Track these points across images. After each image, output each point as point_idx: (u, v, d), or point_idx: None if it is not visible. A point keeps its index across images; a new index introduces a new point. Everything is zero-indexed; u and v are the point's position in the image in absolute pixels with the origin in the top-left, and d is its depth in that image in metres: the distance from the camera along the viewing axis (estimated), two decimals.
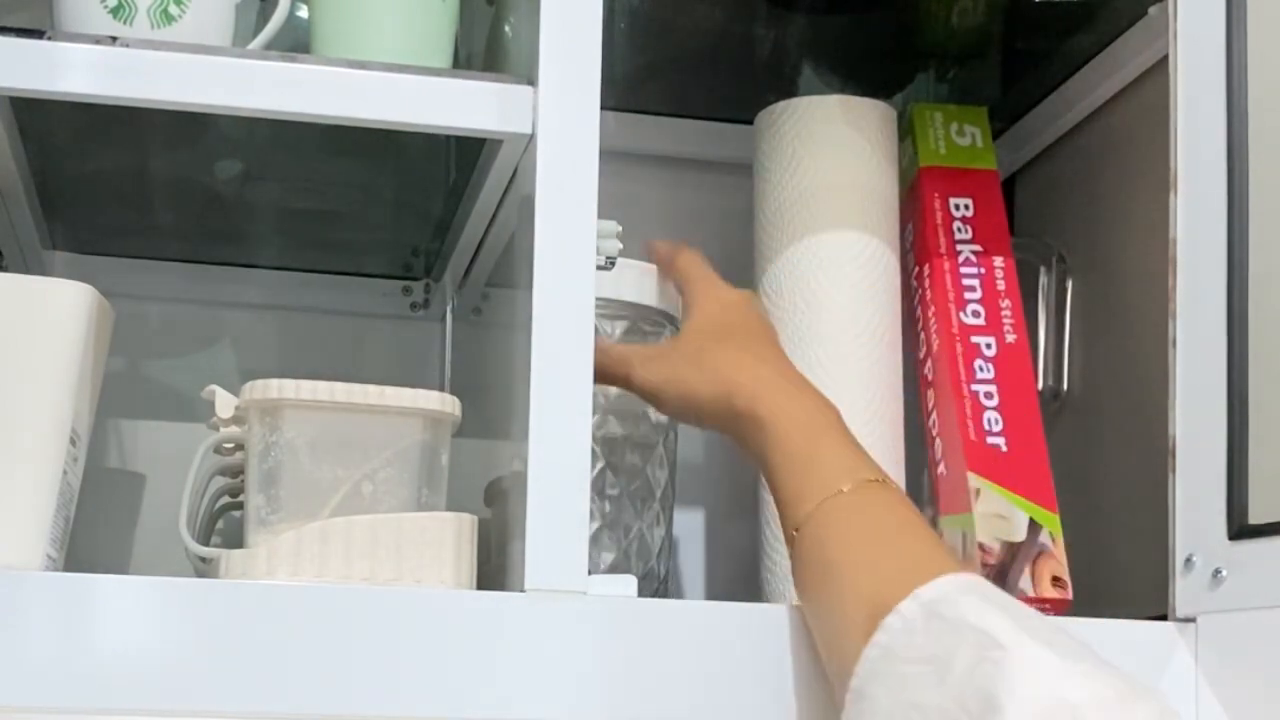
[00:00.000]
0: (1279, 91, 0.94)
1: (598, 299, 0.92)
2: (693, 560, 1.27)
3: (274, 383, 0.91)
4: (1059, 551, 1.06)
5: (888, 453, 1.08)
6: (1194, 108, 0.98)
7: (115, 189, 1.16)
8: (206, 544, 1.03)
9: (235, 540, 0.99)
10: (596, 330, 0.95)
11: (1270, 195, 0.94)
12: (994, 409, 1.09)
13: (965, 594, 0.82)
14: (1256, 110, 0.95)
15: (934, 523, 1.12)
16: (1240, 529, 0.92)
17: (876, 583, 0.84)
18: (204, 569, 0.98)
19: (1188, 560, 0.95)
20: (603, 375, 0.96)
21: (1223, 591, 0.93)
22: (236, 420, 0.94)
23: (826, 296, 1.09)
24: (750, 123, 1.15)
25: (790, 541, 0.91)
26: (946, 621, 0.80)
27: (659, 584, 1.09)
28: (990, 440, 1.08)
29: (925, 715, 0.78)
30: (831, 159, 1.11)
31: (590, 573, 0.88)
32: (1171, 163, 0.99)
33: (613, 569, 1.04)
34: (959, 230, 1.15)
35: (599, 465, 1.05)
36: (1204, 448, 0.94)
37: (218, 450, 0.98)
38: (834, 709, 0.89)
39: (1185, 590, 0.95)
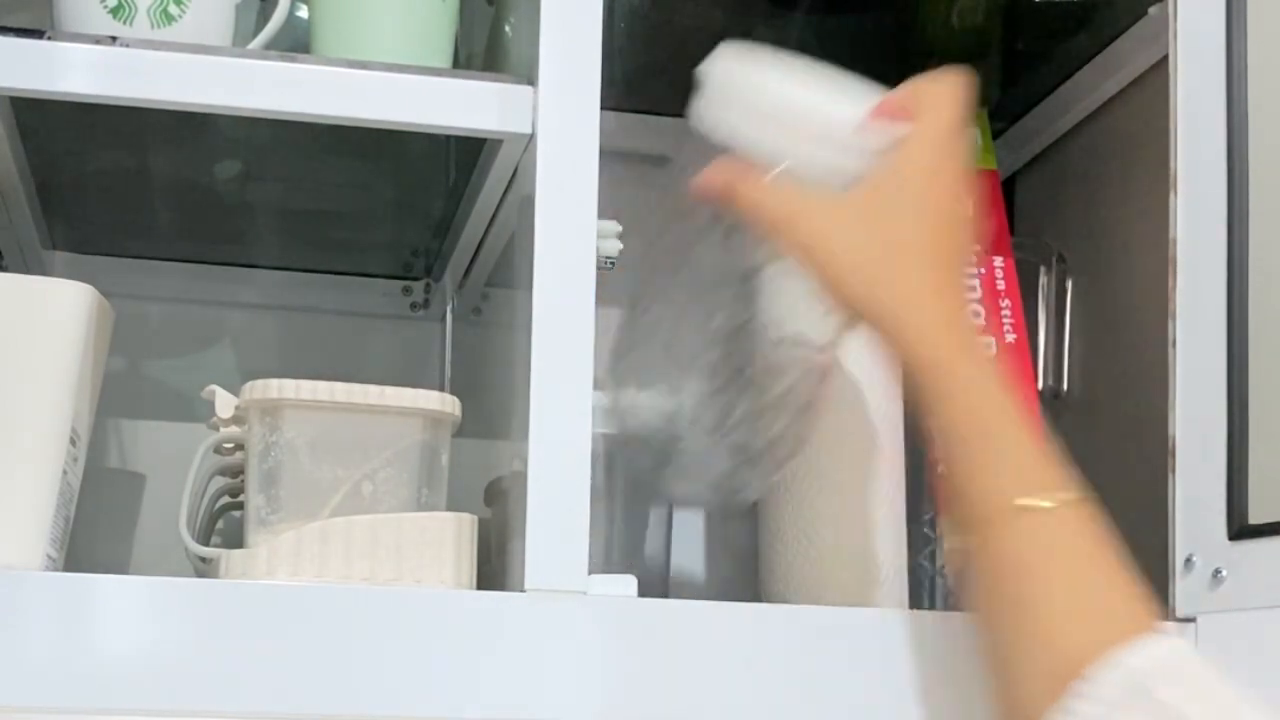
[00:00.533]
0: (1279, 91, 0.94)
1: None
2: (693, 560, 1.27)
3: (274, 383, 0.91)
4: None
5: (888, 453, 1.08)
6: (1194, 108, 0.98)
7: (115, 189, 1.16)
8: (206, 544, 1.03)
9: (235, 540, 0.99)
10: None
11: (1270, 195, 0.94)
12: None
13: (1167, 673, 0.75)
14: (1256, 110, 0.95)
15: (933, 523, 1.12)
16: (1240, 529, 0.92)
17: (1070, 634, 0.78)
18: (204, 569, 0.98)
19: (1188, 560, 0.95)
20: (756, 210, 0.84)
21: (1223, 591, 0.93)
22: (236, 420, 0.94)
23: None
24: None
25: (963, 529, 0.83)
26: (1147, 696, 0.74)
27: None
28: None
29: None
30: None
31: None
32: (1171, 163, 0.99)
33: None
34: None
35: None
36: (1204, 448, 0.94)
37: (218, 450, 0.98)
38: (831, 708, 0.89)
39: (1185, 590, 0.95)
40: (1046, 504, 0.80)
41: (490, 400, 1.01)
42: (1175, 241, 0.98)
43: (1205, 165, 0.96)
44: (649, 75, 1.28)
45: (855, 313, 0.85)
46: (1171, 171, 0.99)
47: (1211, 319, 0.94)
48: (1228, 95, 0.95)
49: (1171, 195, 0.98)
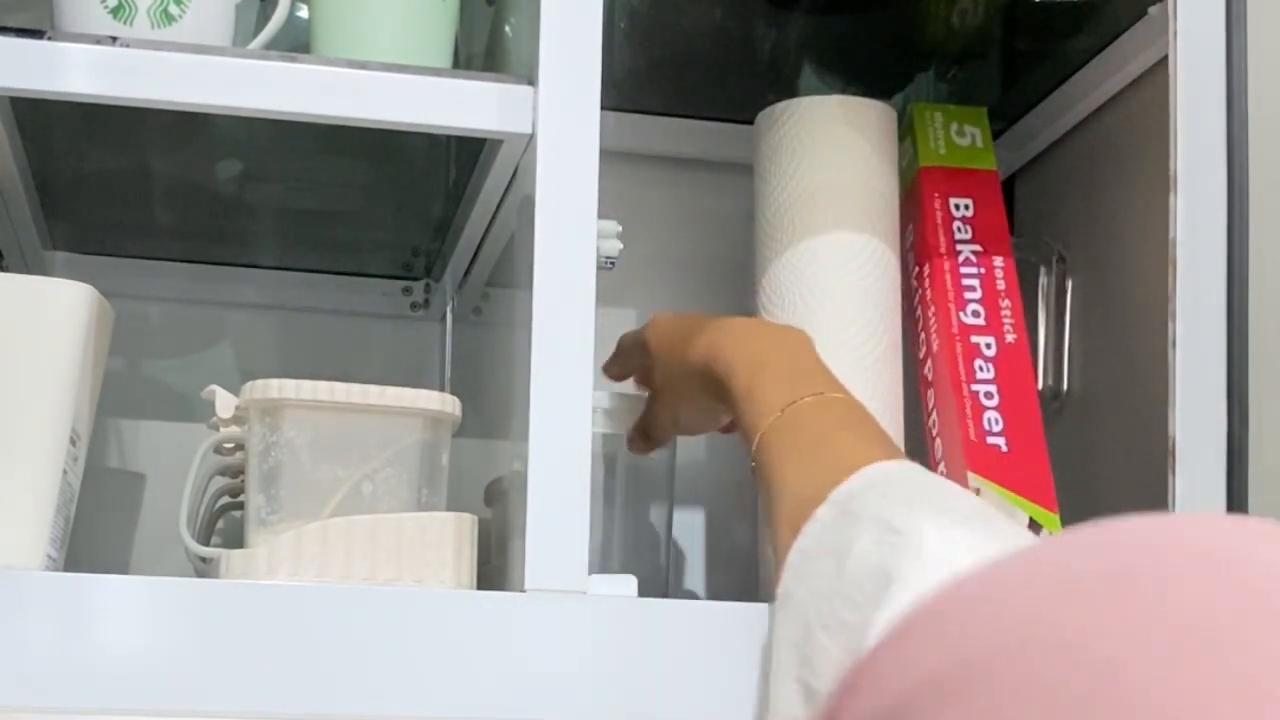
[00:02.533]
0: (1279, 91, 0.94)
1: None
2: (693, 560, 1.27)
3: (274, 383, 0.91)
4: None
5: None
6: (1194, 108, 0.98)
7: (115, 189, 1.16)
8: (206, 544, 1.03)
9: (235, 540, 0.99)
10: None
11: (1270, 195, 0.94)
12: (994, 409, 1.09)
13: (872, 487, 0.83)
14: (1256, 110, 0.95)
15: None
16: None
17: (800, 493, 0.86)
18: (204, 569, 0.98)
19: None
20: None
21: None
22: (236, 420, 0.94)
23: (827, 296, 1.09)
24: (750, 123, 1.15)
25: (746, 442, 0.92)
26: (851, 515, 0.82)
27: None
28: (990, 440, 1.08)
29: (830, 604, 0.80)
30: (832, 159, 1.11)
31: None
32: (1171, 163, 0.99)
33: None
34: (959, 230, 1.15)
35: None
36: (1204, 448, 0.94)
37: (218, 450, 0.98)
38: None
39: None
40: (781, 409, 0.90)
41: (490, 400, 1.01)
42: (1175, 242, 0.98)
43: (1205, 165, 0.96)
44: (649, 75, 1.28)
45: (690, 397, 0.99)
46: (1171, 171, 0.99)
47: (1211, 319, 0.95)
48: (1228, 95, 0.95)
49: (1171, 195, 0.98)
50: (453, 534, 0.91)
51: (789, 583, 0.84)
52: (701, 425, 1.04)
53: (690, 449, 1.23)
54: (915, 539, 0.77)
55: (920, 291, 1.14)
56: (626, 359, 1.06)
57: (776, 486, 0.88)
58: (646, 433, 1.05)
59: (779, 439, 0.90)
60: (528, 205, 0.92)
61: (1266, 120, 0.94)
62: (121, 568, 1.15)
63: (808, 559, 0.83)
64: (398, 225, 1.23)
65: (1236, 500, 0.92)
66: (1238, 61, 0.96)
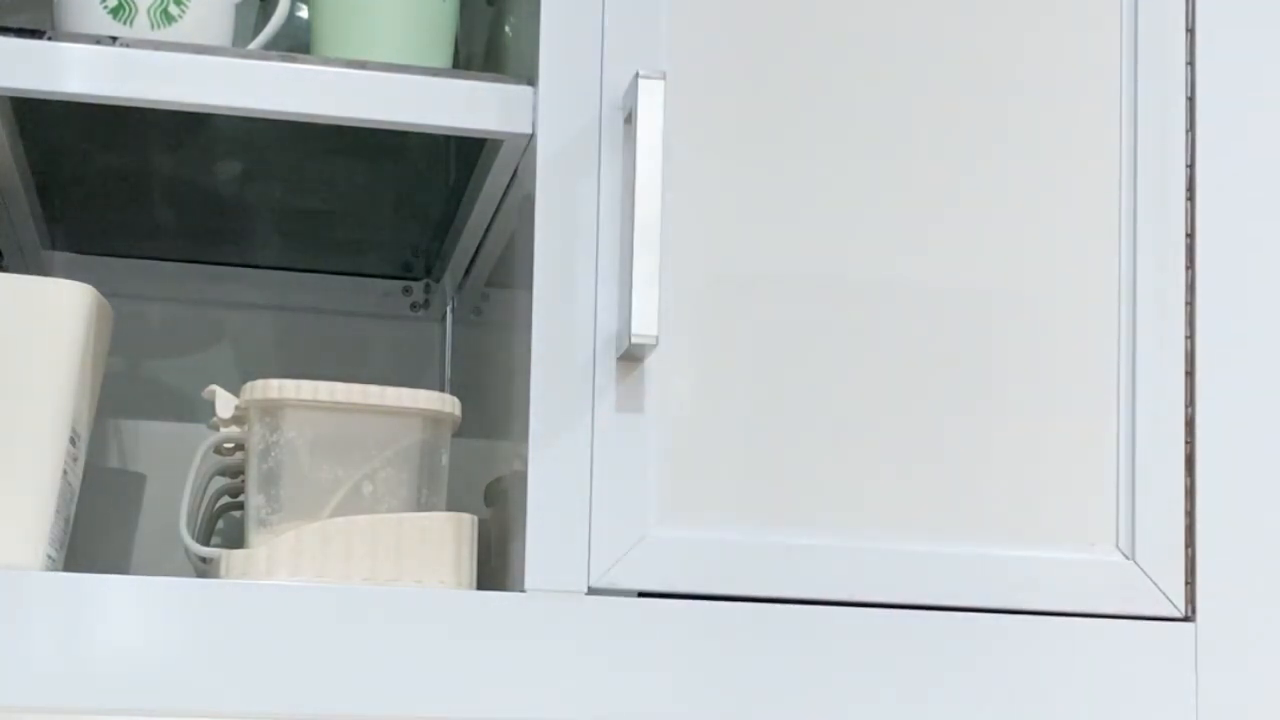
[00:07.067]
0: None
1: None
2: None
3: (274, 383, 0.91)
4: None
5: None
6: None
7: (115, 189, 1.16)
8: (206, 544, 1.03)
9: (235, 540, 0.99)
10: None
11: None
12: None
13: None
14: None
15: None
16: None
17: None
18: (204, 569, 0.98)
19: (1186, 559, 0.95)
20: None
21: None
22: (237, 420, 0.94)
23: None
24: None
25: None
26: None
27: None
28: None
29: None
30: None
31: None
32: None
33: None
34: None
35: None
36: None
37: (218, 450, 0.98)
38: (833, 706, 0.89)
39: (1184, 590, 0.95)
40: None
41: (490, 400, 1.01)
42: None
43: None
44: None
45: None
46: None
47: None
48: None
49: None
50: (453, 534, 0.91)
51: None
52: None
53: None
54: None
55: None
56: None
57: None
58: None
59: None
60: (528, 205, 0.92)
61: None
62: (121, 568, 1.15)
63: None
64: (398, 225, 1.24)
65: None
66: None
